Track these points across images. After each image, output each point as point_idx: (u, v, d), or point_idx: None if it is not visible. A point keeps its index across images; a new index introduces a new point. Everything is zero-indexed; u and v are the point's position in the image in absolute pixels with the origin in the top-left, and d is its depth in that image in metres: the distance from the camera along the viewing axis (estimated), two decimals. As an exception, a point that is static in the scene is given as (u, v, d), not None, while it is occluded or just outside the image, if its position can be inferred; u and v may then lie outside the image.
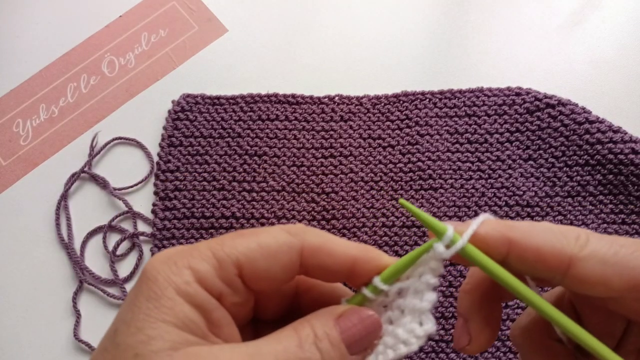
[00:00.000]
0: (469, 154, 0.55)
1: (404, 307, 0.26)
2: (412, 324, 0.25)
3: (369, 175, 0.55)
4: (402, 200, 0.26)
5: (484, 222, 0.25)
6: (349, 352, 0.24)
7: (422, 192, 0.54)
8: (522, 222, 0.25)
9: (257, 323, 0.30)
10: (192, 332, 0.23)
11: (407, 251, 0.52)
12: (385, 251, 0.49)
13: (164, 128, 0.58)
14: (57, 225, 0.55)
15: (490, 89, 0.57)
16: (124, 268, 0.53)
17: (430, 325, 0.25)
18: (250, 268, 0.25)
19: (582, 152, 0.53)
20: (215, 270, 0.25)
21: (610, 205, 0.52)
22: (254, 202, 0.54)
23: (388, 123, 0.57)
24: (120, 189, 0.56)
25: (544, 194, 0.53)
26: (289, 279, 0.27)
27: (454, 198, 0.53)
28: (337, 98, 0.58)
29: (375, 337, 0.25)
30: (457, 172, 0.54)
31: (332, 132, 0.57)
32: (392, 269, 0.26)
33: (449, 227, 0.25)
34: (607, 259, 0.23)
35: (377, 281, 0.26)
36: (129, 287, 0.53)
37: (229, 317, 0.25)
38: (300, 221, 0.53)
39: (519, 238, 0.24)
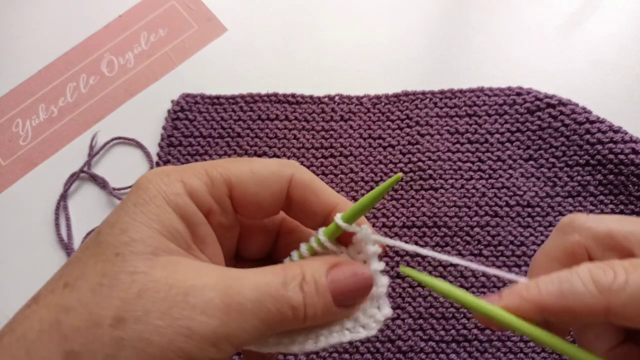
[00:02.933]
0: (470, 154, 0.55)
1: None
2: (371, 308, 0.25)
3: (369, 175, 0.55)
4: (402, 268, 0.26)
5: (511, 292, 0.24)
6: (334, 303, 0.24)
7: (423, 192, 0.54)
8: (552, 281, 0.24)
9: (239, 262, 0.30)
10: (176, 242, 0.23)
11: (407, 252, 0.51)
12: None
13: (164, 128, 0.58)
14: (57, 225, 0.55)
15: (490, 89, 0.57)
16: (124, 268, 0.53)
17: (387, 310, 0.25)
18: (240, 189, 0.26)
19: (582, 152, 0.53)
20: (207, 186, 0.25)
21: (610, 206, 0.52)
22: (254, 202, 0.54)
23: (388, 123, 0.57)
24: (119, 189, 0.56)
25: (544, 194, 0.53)
26: (275, 208, 0.27)
27: (454, 198, 0.53)
28: (337, 98, 0.58)
29: (364, 295, 0.25)
30: (458, 172, 0.54)
31: (332, 132, 0.57)
32: (354, 208, 0.26)
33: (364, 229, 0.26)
34: None
35: (338, 218, 0.26)
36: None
37: (214, 236, 0.26)
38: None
39: (550, 304, 0.23)
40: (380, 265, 0.26)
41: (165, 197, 0.24)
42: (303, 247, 0.27)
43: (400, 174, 0.25)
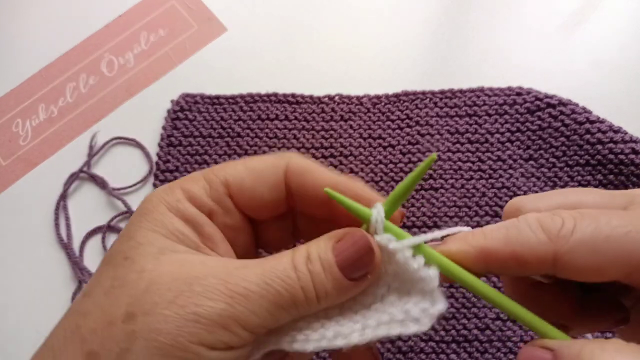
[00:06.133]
0: (470, 154, 0.55)
1: (407, 285, 0.25)
2: (424, 302, 0.24)
3: (369, 175, 0.55)
4: (327, 190, 0.26)
5: (456, 238, 0.24)
6: (345, 276, 0.24)
7: (423, 192, 0.54)
8: (498, 227, 0.23)
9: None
10: (183, 243, 0.25)
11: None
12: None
13: (163, 128, 0.58)
14: (56, 225, 0.55)
15: (490, 89, 0.57)
16: (123, 268, 0.53)
17: (441, 305, 0.24)
18: (237, 186, 0.26)
19: (582, 152, 0.53)
20: (205, 190, 0.26)
21: (611, 205, 0.52)
22: (254, 202, 0.54)
23: (388, 123, 0.57)
24: (119, 189, 0.56)
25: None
26: (276, 199, 0.27)
27: (454, 198, 0.53)
28: (337, 98, 0.58)
29: (368, 261, 0.24)
30: (458, 172, 0.54)
31: (332, 132, 0.56)
32: (394, 195, 0.25)
33: (375, 209, 0.25)
34: (598, 247, 0.21)
35: (380, 207, 0.25)
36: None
37: (221, 234, 0.26)
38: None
39: (495, 250, 0.23)
40: (421, 260, 0.24)
41: (167, 205, 0.25)
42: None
43: (434, 155, 0.25)
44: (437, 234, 0.25)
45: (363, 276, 0.24)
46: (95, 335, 0.22)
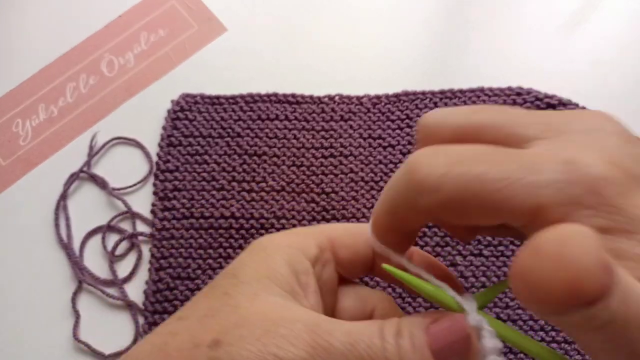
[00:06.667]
0: (470, 154, 0.55)
1: None
2: None
3: (369, 175, 0.55)
4: (385, 266, 0.25)
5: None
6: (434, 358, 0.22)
7: (423, 192, 0.54)
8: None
9: None
10: (280, 285, 0.25)
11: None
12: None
13: (163, 128, 0.58)
14: (56, 225, 0.55)
15: (490, 89, 0.57)
16: (123, 268, 0.53)
17: None
18: (338, 240, 0.28)
19: (582, 152, 0.53)
20: (314, 240, 0.28)
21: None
22: (254, 202, 0.54)
23: (388, 123, 0.57)
24: (119, 189, 0.56)
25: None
26: (370, 259, 0.29)
27: (454, 198, 0.53)
28: (337, 97, 0.58)
29: (460, 351, 0.23)
30: (458, 172, 0.54)
31: (332, 132, 0.57)
32: (486, 293, 0.24)
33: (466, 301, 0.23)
34: (465, 203, 0.21)
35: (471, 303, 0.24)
36: (128, 287, 0.52)
37: (316, 285, 0.27)
38: (300, 221, 0.53)
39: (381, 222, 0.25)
40: (497, 343, 0.23)
41: (277, 247, 0.27)
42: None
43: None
44: None
45: None
46: (179, 353, 0.23)
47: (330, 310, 0.30)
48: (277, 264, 0.26)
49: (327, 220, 0.53)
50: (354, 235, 0.29)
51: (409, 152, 0.55)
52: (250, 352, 0.22)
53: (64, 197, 0.56)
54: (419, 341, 0.22)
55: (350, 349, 0.22)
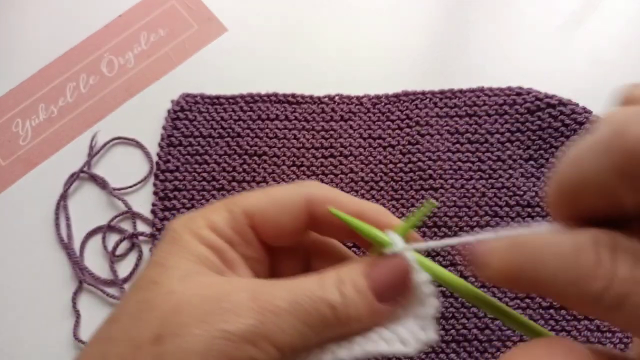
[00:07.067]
0: (470, 154, 0.55)
1: (408, 309, 0.25)
2: (415, 325, 0.24)
3: (369, 175, 0.55)
4: (332, 210, 0.26)
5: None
6: (377, 300, 0.23)
7: (423, 192, 0.54)
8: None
9: None
10: (208, 267, 0.25)
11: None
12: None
13: (164, 128, 0.58)
14: (57, 225, 0.55)
15: (490, 89, 0.57)
16: (124, 268, 0.53)
17: (432, 335, 0.24)
18: (260, 216, 0.26)
19: (582, 152, 0.53)
20: (227, 220, 0.26)
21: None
22: (254, 202, 0.54)
23: (388, 123, 0.57)
24: (119, 189, 0.56)
25: (545, 194, 0.53)
26: (298, 229, 0.27)
27: (454, 198, 0.53)
28: (337, 98, 0.58)
29: (405, 286, 0.24)
30: (458, 172, 0.54)
31: (332, 132, 0.57)
32: (406, 224, 0.25)
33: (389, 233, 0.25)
34: None
35: (392, 234, 0.25)
36: (128, 287, 0.52)
37: (242, 261, 0.27)
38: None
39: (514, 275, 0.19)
40: (429, 288, 0.24)
41: (190, 232, 0.26)
42: None
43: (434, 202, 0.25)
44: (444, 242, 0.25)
45: (395, 300, 0.24)
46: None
47: (269, 275, 0.29)
48: (198, 248, 0.25)
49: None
50: (277, 207, 0.27)
51: (409, 152, 0.55)
52: (197, 336, 0.21)
53: (64, 197, 0.56)
54: (361, 286, 0.23)
55: (296, 306, 0.22)
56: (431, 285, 0.24)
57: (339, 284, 0.23)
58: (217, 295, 0.22)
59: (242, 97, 0.58)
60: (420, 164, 0.54)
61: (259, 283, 0.24)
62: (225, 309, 0.22)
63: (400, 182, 0.54)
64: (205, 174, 0.55)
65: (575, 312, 0.49)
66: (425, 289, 0.24)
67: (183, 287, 0.23)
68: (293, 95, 0.58)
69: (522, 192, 0.53)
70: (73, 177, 0.57)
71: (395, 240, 0.25)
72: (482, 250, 0.20)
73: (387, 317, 0.24)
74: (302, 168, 0.55)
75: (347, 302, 0.23)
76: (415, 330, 0.24)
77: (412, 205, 0.53)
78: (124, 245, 0.54)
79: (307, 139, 0.56)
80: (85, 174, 0.57)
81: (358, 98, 0.58)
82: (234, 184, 0.55)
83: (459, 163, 0.54)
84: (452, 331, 0.49)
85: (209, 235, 0.26)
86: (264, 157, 0.56)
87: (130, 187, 0.56)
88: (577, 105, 0.54)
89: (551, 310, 0.49)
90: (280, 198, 0.27)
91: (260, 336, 0.21)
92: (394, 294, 0.24)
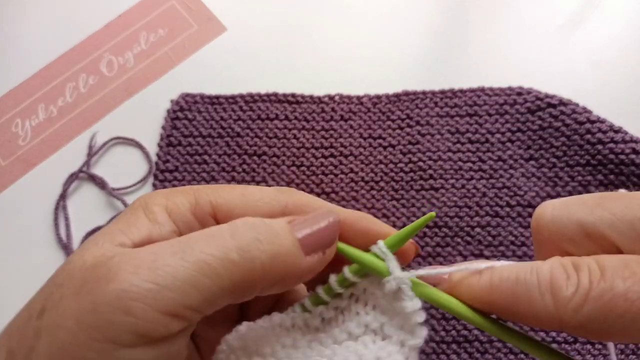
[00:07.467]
0: (470, 154, 0.55)
1: (387, 329, 0.24)
2: (399, 356, 0.23)
3: (369, 175, 0.54)
4: (340, 246, 0.25)
5: (462, 281, 0.23)
6: (303, 250, 0.23)
7: (423, 192, 0.54)
8: (507, 277, 0.22)
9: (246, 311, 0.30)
10: (139, 242, 0.23)
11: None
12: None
13: (163, 127, 0.58)
14: (56, 225, 0.55)
15: (491, 89, 0.57)
16: (123, 268, 0.53)
17: (418, 340, 0.24)
18: (226, 211, 0.25)
19: (583, 152, 0.53)
20: (190, 204, 0.25)
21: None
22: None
23: (389, 122, 0.57)
24: (118, 189, 0.56)
25: (545, 194, 0.53)
26: None
27: (455, 198, 0.53)
28: (337, 97, 0.58)
29: (325, 233, 0.24)
30: (458, 172, 0.54)
31: (332, 132, 0.56)
32: (397, 236, 0.25)
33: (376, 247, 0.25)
34: (608, 327, 0.20)
35: (382, 245, 0.25)
36: None
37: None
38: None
39: (498, 303, 0.22)
40: (421, 316, 0.24)
41: (143, 207, 0.24)
42: (332, 278, 0.25)
43: (433, 213, 0.25)
44: (430, 270, 0.25)
45: (320, 248, 0.24)
46: (16, 331, 0.21)
47: None
48: (138, 220, 0.24)
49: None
50: (247, 208, 0.25)
51: (409, 152, 0.55)
52: (71, 309, 0.20)
53: (63, 197, 0.56)
54: (282, 229, 0.23)
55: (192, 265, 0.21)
56: (423, 314, 0.24)
57: (252, 227, 0.23)
58: (96, 263, 0.21)
59: (241, 96, 0.58)
60: (420, 163, 0.54)
61: (175, 242, 0.22)
62: (97, 276, 0.20)
63: (400, 182, 0.54)
64: (204, 174, 0.55)
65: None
66: (417, 317, 0.24)
67: (78, 257, 0.22)
68: (293, 95, 0.58)
69: (522, 192, 0.53)
70: (72, 177, 0.56)
71: (393, 269, 0.24)
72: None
73: (310, 273, 0.24)
74: (302, 168, 0.55)
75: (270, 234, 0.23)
76: (398, 358, 0.24)
77: (412, 205, 0.53)
78: (124, 246, 0.54)
79: (307, 139, 0.56)
80: (85, 174, 0.57)
81: (358, 98, 0.58)
82: (234, 183, 0.55)
83: (460, 163, 0.54)
84: (453, 332, 0.49)
85: (159, 212, 0.24)
86: (264, 157, 0.56)
87: (130, 187, 0.56)
88: (577, 105, 0.54)
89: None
90: (254, 199, 0.25)
91: (137, 301, 0.20)
92: (319, 241, 0.24)
